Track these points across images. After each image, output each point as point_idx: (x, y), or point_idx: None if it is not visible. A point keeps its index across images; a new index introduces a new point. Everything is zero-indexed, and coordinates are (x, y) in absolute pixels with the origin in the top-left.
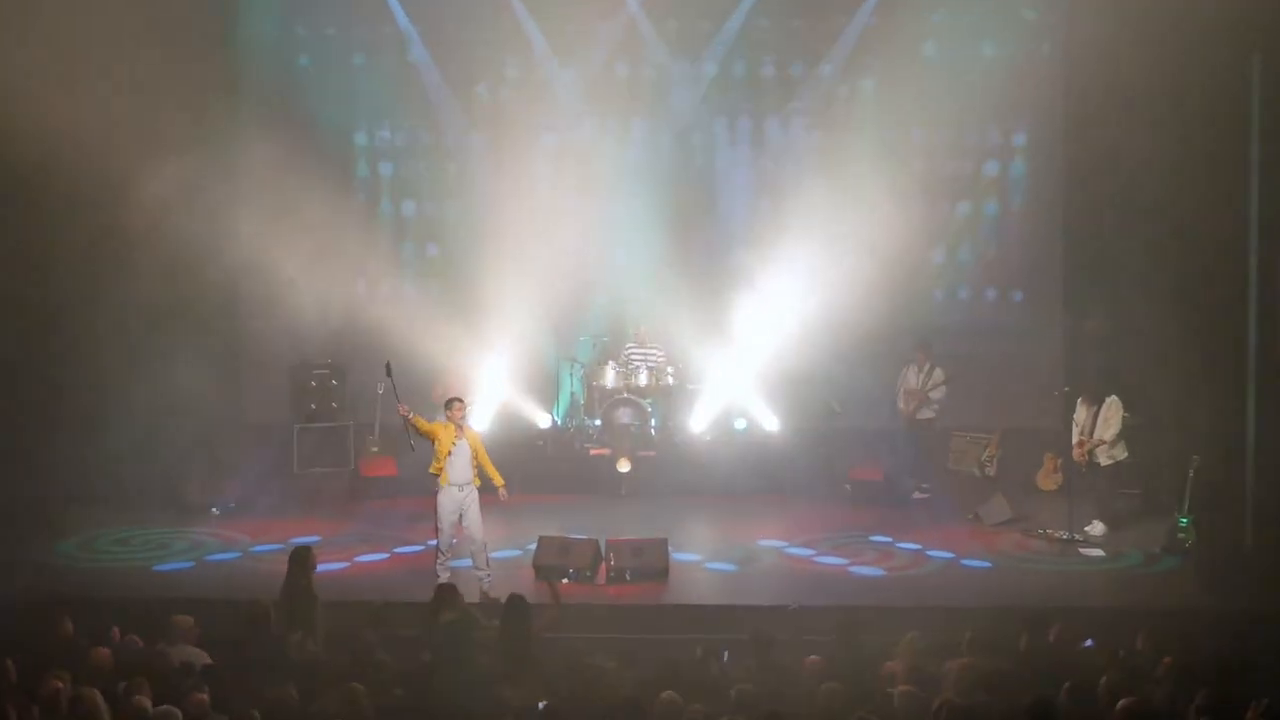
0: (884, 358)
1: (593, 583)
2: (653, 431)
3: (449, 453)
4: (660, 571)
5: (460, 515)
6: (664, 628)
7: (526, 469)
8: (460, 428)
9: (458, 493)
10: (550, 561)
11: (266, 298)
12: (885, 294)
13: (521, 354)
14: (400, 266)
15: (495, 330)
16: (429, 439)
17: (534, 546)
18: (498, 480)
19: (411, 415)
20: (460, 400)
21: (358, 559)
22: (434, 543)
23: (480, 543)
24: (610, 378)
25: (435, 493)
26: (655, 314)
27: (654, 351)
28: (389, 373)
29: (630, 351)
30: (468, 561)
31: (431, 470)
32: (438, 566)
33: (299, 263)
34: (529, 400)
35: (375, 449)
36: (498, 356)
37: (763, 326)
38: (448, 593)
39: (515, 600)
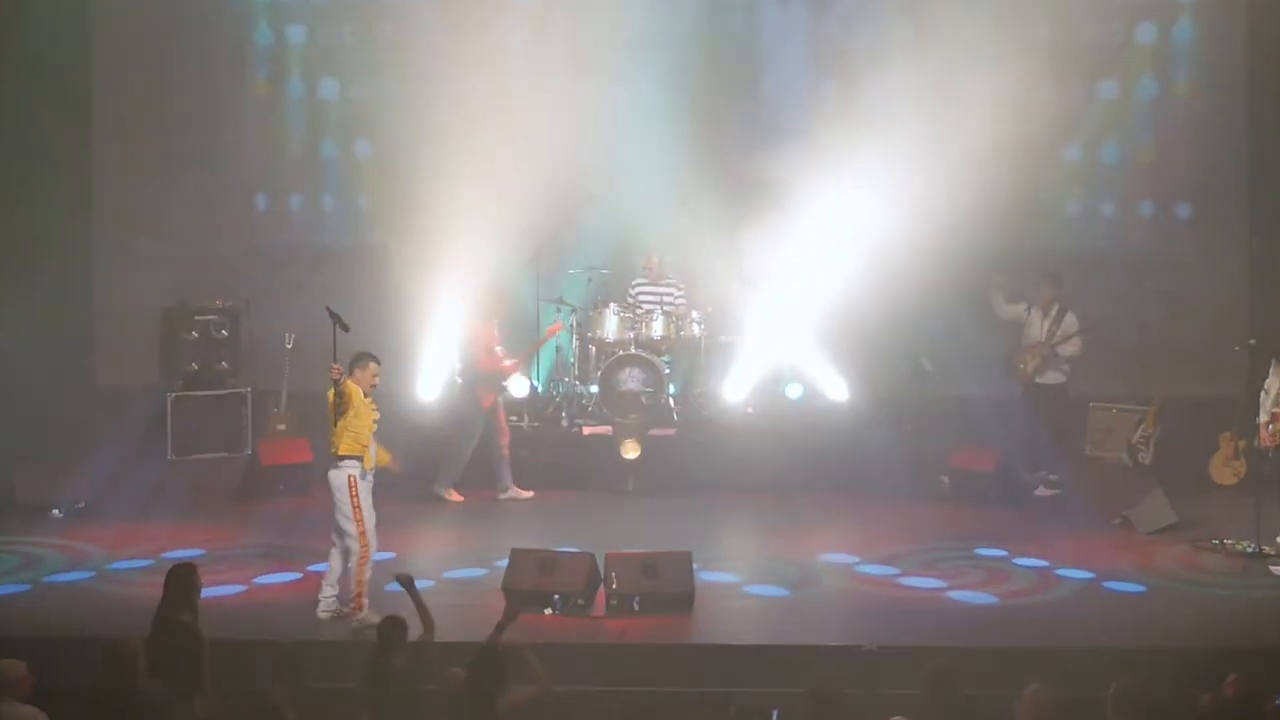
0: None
1: (587, 614)
2: (671, 401)
3: (372, 428)
4: (682, 598)
5: None
6: (687, 677)
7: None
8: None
9: (371, 480)
10: (527, 585)
11: (127, 216)
12: (997, 209)
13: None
14: (317, 172)
15: (449, 260)
16: (343, 410)
17: (504, 564)
18: (384, 455)
19: (345, 379)
20: (377, 360)
21: (258, 580)
22: (331, 569)
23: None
24: (612, 327)
25: (342, 479)
26: (675, 237)
27: (673, 289)
28: (336, 321)
29: (640, 289)
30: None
31: (343, 450)
32: (343, 594)
33: (175, 167)
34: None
35: (282, 426)
36: (453, 298)
37: (825, 255)
38: (398, 629)
39: (485, 656)
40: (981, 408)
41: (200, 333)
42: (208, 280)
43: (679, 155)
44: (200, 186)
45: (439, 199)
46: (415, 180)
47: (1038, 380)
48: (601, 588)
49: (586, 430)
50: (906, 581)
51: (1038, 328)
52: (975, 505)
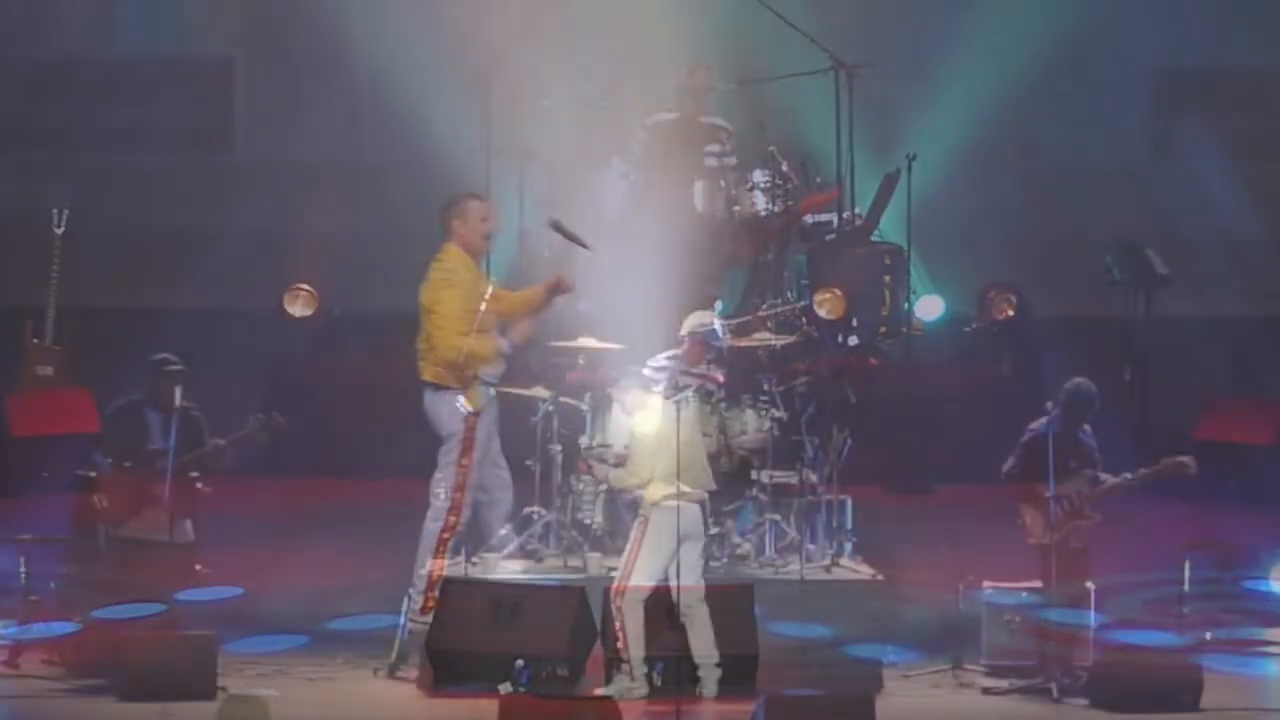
0: None
1: (573, 692)
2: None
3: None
4: (737, 665)
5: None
6: None
7: (414, 415)
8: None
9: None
10: (468, 642)
11: None
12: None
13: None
14: None
15: (338, 80)
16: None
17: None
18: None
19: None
20: (478, 196)
21: (2, 636)
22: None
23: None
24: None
25: (442, 408)
26: (730, 41)
27: (719, 137)
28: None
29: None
30: None
31: (428, 376)
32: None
33: None
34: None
35: (48, 370)
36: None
37: (985, 67)
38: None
39: None
40: (1251, 337)
41: None
42: None
43: None
44: None
45: None
46: None
47: None
48: (598, 646)
49: (570, 377)
50: (1118, 636)
51: None
52: (1239, 503)
